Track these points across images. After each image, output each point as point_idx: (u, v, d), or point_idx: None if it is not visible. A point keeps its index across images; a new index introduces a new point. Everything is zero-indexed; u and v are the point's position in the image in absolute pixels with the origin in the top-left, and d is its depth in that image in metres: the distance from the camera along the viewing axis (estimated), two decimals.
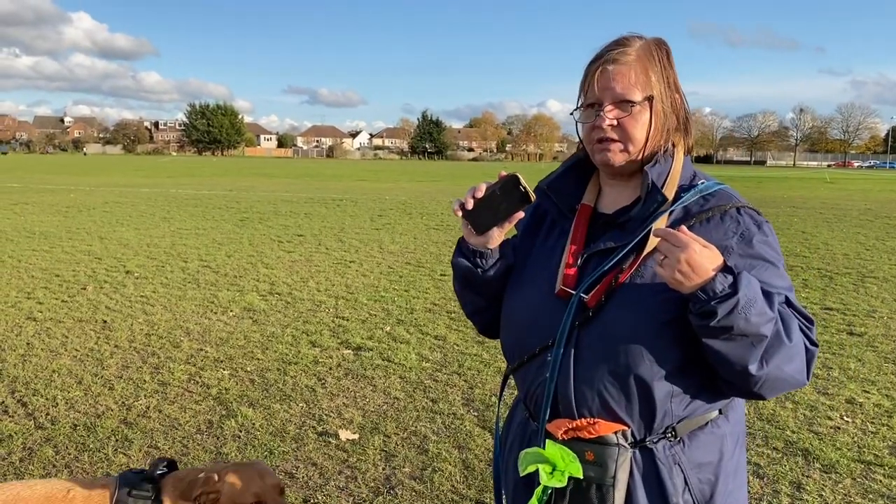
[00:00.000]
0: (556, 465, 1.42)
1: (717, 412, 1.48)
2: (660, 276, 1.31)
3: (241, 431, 4.05)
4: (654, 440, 1.43)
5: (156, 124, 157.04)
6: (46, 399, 4.48)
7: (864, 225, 15.82)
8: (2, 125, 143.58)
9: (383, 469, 3.63)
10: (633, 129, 1.46)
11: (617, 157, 1.49)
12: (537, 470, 1.43)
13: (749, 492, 3.41)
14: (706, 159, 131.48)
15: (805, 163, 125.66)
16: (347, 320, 6.60)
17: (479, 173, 46.63)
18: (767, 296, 1.29)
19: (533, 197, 1.52)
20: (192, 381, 4.87)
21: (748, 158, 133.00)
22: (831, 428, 4.20)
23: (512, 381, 1.69)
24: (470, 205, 1.55)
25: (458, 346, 5.80)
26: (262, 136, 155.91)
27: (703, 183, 1.50)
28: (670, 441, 1.44)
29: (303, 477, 3.54)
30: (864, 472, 3.64)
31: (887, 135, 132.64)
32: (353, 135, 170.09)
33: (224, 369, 5.14)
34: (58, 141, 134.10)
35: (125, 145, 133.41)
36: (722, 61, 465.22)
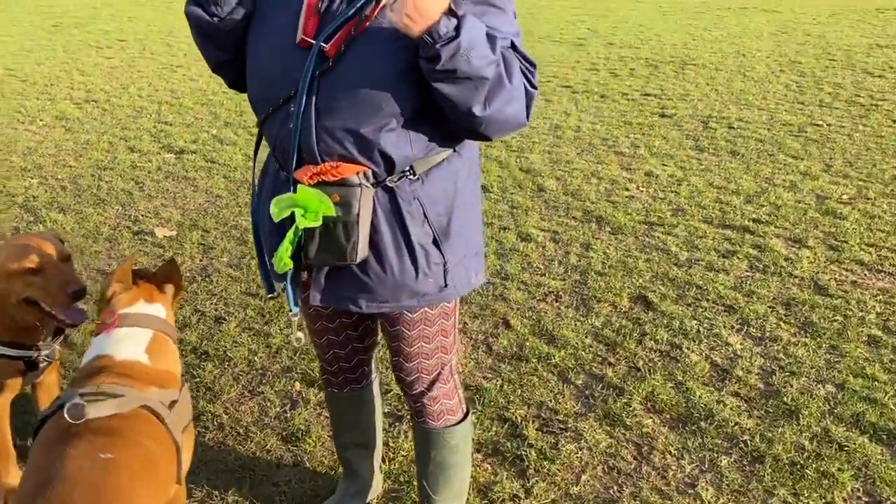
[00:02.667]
0: (308, 207, 1.48)
1: (451, 151, 1.58)
2: (391, 21, 1.33)
3: None
4: (395, 179, 1.52)
5: None
6: None
7: (696, 17, 16.39)
8: None
9: (200, 260, 3.68)
10: None
11: None
12: (292, 214, 1.48)
13: (544, 255, 3.77)
14: None
15: None
16: (171, 125, 6.31)
17: None
18: (491, 40, 1.34)
19: None
20: None
21: None
22: (626, 197, 4.61)
23: None
24: None
25: None
26: None
27: None
28: (410, 179, 1.53)
29: None
30: (645, 231, 4.07)
31: None
32: None
33: (32, 178, 4.85)
34: None
35: None
36: None
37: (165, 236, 3.93)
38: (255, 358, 2.84)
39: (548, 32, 12.97)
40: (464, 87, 1.36)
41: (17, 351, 1.98)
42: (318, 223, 1.47)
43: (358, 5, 1.44)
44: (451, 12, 1.32)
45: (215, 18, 1.55)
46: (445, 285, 1.62)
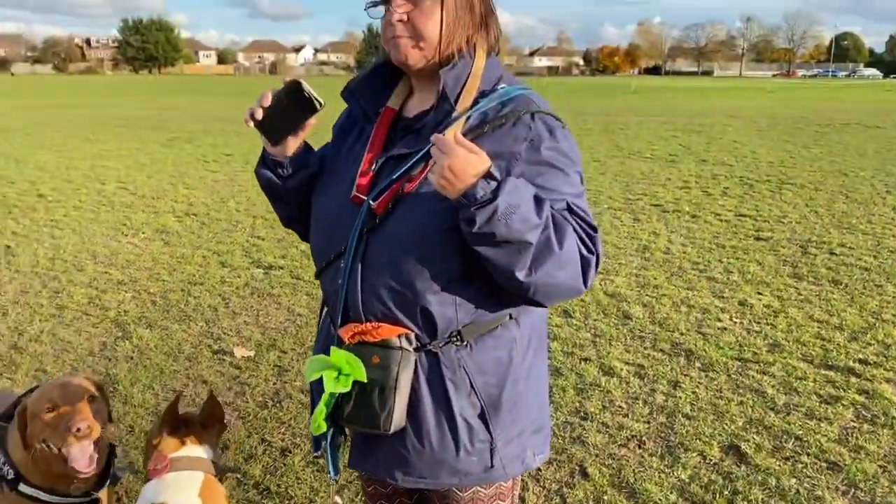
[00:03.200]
0: (341, 369, 1.43)
1: (507, 317, 1.49)
2: (432, 182, 1.30)
3: (134, 352, 4.01)
4: (440, 344, 1.44)
5: (88, 41, 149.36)
6: None
7: (794, 133, 16.09)
8: None
9: (274, 384, 3.66)
10: (424, 25, 1.41)
11: (410, 54, 1.44)
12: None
13: (627, 393, 3.55)
14: (655, 70, 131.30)
15: (751, 73, 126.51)
16: (263, 240, 6.52)
17: None
18: (539, 203, 1.28)
19: (320, 103, 1.48)
20: (92, 304, 4.78)
21: (696, 69, 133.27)
22: (718, 329, 4.35)
23: None
24: (259, 114, 1.50)
25: None
26: (200, 53, 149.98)
27: (503, 88, 1.46)
28: (456, 345, 1.44)
29: (191, 394, 3.54)
30: (739, 369, 3.80)
31: (831, 43, 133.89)
32: (297, 50, 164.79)
33: (126, 291, 5.05)
34: None
35: (56, 64, 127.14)
36: None
37: (243, 356, 3.95)
38: (317, 498, 2.73)
39: (639, 148, 12.98)
40: (505, 252, 1.28)
41: (50, 496, 1.93)
42: (347, 388, 1.42)
43: (407, 165, 1.43)
44: (489, 175, 1.26)
45: (281, 180, 1.59)
46: (492, 465, 1.49)
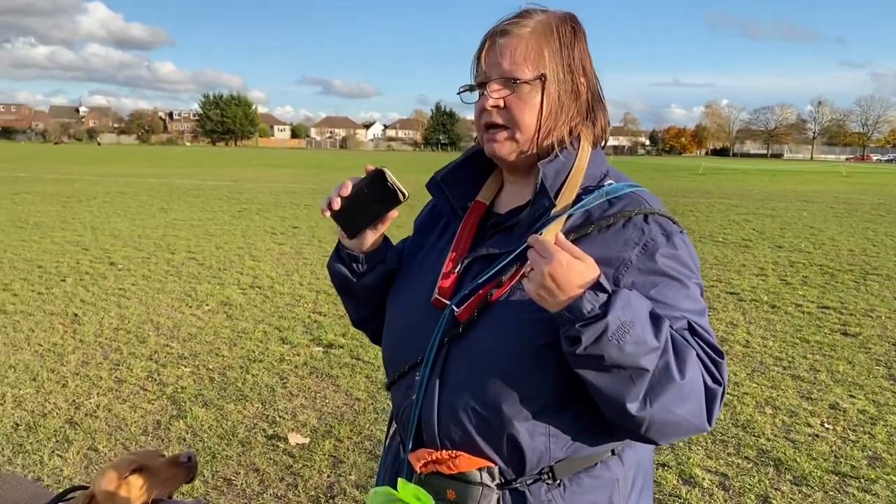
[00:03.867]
0: None
1: (609, 453, 1.28)
2: (527, 290, 1.12)
3: (188, 433, 3.89)
4: (528, 482, 1.23)
5: (170, 114, 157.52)
6: None
7: (874, 220, 15.45)
8: (18, 115, 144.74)
9: (328, 476, 3.45)
10: (521, 112, 1.26)
11: (504, 146, 1.29)
12: None
13: None
14: (722, 152, 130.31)
15: (823, 156, 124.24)
16: (324, 316, 6.43)
17: None
18: (656, 321, 1.09)
19: (404, 194, 1.34)
20: (150, 379, 4.71)
21: (765, 152, 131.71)
22: (809, 436, 3.97)
23: None
24: (337, 204, 1.37)
25: None
26: (275, 127, 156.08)
27: (611, 184, 1.29)
28: (547, 484, 1.23)
29: (241, 484, 3.37)
30: (837, 485, 3.42)
31: None
32: (367, 126, 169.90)
33: (185, 366, 4.98)
34: (73, 131, 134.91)
35: (139, 135, 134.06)
36: (740, 53, 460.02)
37: (297, 444, 3.77)
38: None
39: (710, 231, 12.61)
40: (615, 378, 1.08)
41: None
42: None
43: (496, 268, 1.25)
44: (598, 286, 1.08)
45: (356, 276, 1.44)
46: None
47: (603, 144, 1.38)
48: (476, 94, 1.32)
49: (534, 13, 1.30)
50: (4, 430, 3.85)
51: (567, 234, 1.21)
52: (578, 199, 1.26)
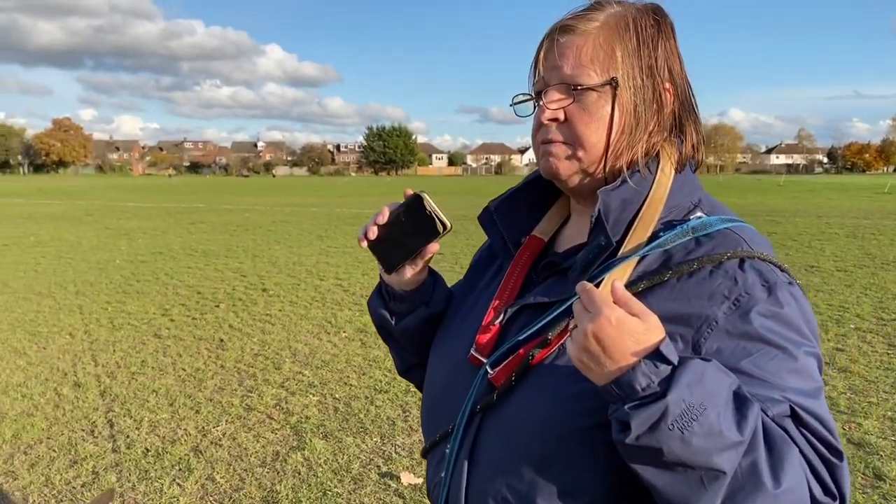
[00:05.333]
0: None
1: None
2: (570, 355, 0.86)
3: (303, 467, 3.82)
4: None
5: (337, 147, 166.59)
6: (134, 420, 4.52)
7: None
8: (204, 150, 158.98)
9: None
10: (585, 126, 1.00)
11: (563, 165, 1.03)
12: None
13: None
14: None
15: None
16: None
17: None
18: (741, 405, 0.79)
19: (445, 225, 1.13)
20: (278, 407, 4.74)
21: None
22: None
23: None
24: (373, 234, 1.17)
25: None
26: (433, 155, 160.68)
27: (700, 217, 1.00)
28: None
29: None
30: None
31: None
32: (522, 151, 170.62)
33: (313, 395, 4.98)
34: (251, 164, 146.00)
35: (310, 167, 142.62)
36: None
37: (410, 484, 3.60)
38: None
39: (894, 257, 11.25)
40: (679, 479, 0.79)
41: None
42: None
43: (540, 324, 0.99)
44: (658, 354, 0.79)
45: (395, 318, 1.23)
46: None
47: (695, 167, 1.09)
48: (531, 105, 1.08)
49: (606, 5, 1.04)
50: (135, 456, 3.98)
51: (637, 281, 0.95)
52: (655, 236, 0.98)
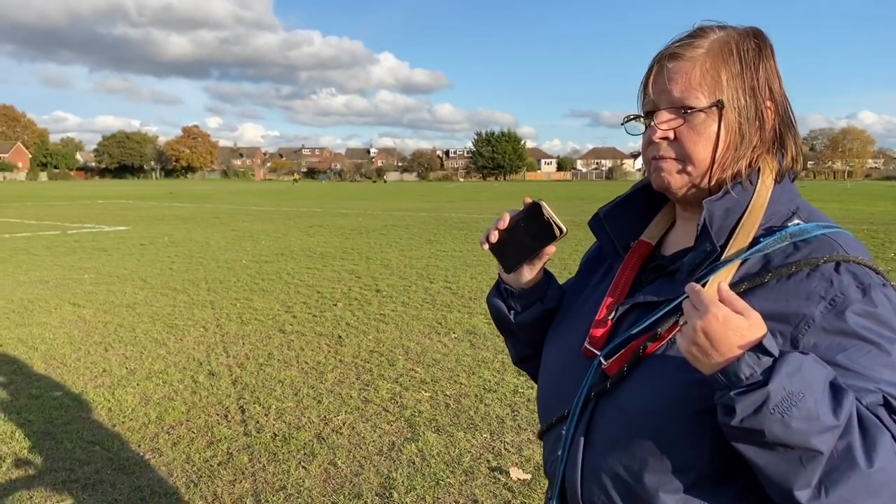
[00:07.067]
0: None
1: None
2: (679, 347, 0.99)
3: (417, 457, 4.03)
4: None
5: (446, 152, 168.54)
6: (263, 407, 4.88)
7: None
8: (321, 157, 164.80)
9: None
10: (694, 145, 1.12)
11: (674, 179, 1.16)
12: None
13: None
14: None
15: None
16: None
17: None
18: (837, 393, 0.90)
19: (562, 229, 1.28)
20: (392, 401, 4.99)
21: None
22: None
23: None
24: (494, 237, 1.34)
25: None
26: (542, 161, 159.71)
27: (798, 224, 1.10)
28: None
29: None
30: None
31: None
32: (635, 156, 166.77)
33: (426, 391, 5.20)
34: (364, 170, 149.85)
35: (419, 173, 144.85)
36: None
37: (519, 479, 3.73)
38: None
39: None
40: (780, 458, 0.90)
41: None
42: None
43: (653, 318, 1.11)
44: (761, 348, 0.90)
45: (513, 313, 1.39)
46: None
47: (793, 177, 1.19)
48: (641, 124, 1.21)
49: (709, 31, 1.15)
50: (264, 440, 4.31)
51: (740, 282, 1.06)
52: (756, 241, 1.09)
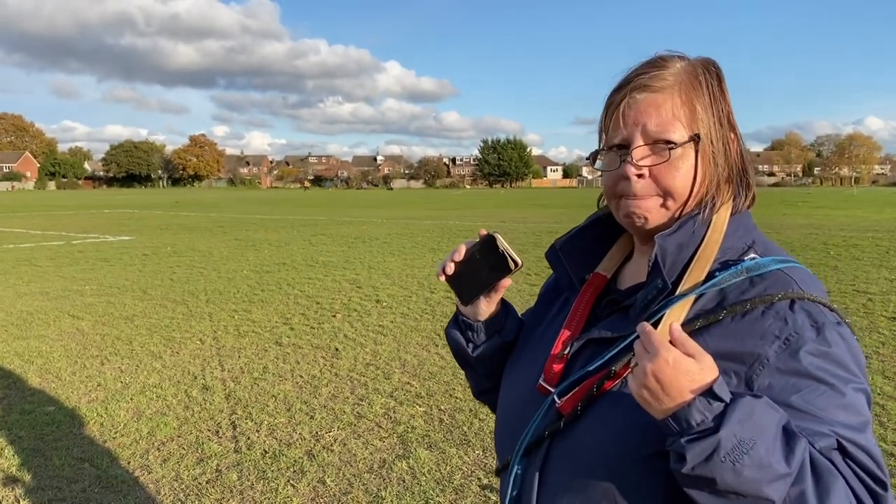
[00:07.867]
0: None
1: None
2: (630, 389, 0.95)
3: (407, 475, 3.98)
4: None
5: (453, 160, 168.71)
6: (254, 423, 4.84)
7: None
8: (328, 165, 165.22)
9: None
10: (672, 179, 1.09)
11: (654, 215, 1.11)
12: None
13: None
14: None
15: None
16: None
17: (776, 201, 42.74)
18: (790, 439, 0.87)
19: (517, 262, 1.25)
20: (386, 416, 4.94)
21: None
22: None
23: None
24: (450, 269, 1.31)
25: None
26: (548, 168, 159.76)
27: (754, 259, 1.07)
28: None
29: None
30: None
31: None
32: None
33: (420, 405, 5.15)
34: (370, 177, 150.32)
35: (426, 180, 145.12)
36: None
37: None
38: None
39: None
40: None
41: None
42: None
43: (605, 357, 1.08)
44: (711, 392, 0.86)
45: (471, 346, 1.35)
46: None
47: (749, 206, 1.15)
48: (608, 159, 1.16)
49: (670, 60, 1.13)
50: (254, 457, 4.27)
51: (695, 318, 1.02)
52: (711, 275, 1.06)
